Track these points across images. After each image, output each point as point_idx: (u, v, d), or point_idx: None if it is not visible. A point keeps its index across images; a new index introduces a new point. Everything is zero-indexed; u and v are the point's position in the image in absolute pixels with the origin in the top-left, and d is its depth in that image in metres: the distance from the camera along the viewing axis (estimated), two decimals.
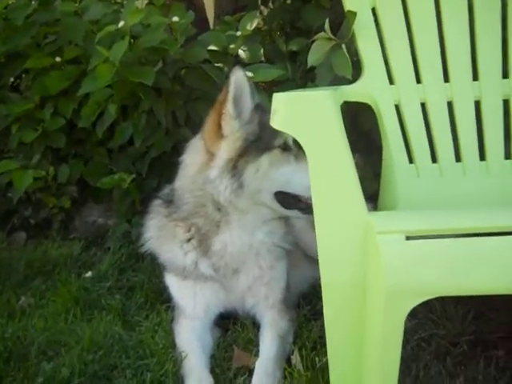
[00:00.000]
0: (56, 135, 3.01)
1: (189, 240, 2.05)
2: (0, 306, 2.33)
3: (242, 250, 2.01)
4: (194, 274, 2.05)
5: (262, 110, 2.01)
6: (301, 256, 2.35)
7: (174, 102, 2.76)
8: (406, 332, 1.36)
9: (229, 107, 1.94)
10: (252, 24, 2.77)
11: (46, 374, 1.81)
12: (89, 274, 2.61)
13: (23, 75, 3.22)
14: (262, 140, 1.95)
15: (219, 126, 1.97)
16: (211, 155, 1.97)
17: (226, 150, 1.95)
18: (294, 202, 1.97)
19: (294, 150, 1.98)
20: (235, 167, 1.92)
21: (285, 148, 1.97)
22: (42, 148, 3.04)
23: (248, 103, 1.97)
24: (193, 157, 2.07)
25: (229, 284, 2.05)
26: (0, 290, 2.48)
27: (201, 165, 2.01)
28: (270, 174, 1.94)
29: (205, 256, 2.03)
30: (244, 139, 1.94)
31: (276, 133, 1.92)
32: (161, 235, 2.15)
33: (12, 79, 3.25)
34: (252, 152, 1.94)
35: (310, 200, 1.88)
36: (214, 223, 1.99)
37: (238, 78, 1.92)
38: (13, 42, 2.90)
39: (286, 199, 1.97)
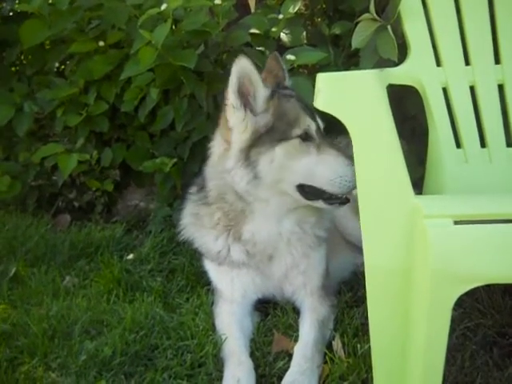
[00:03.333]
0: (99, 119, 3.06)
1: (216, 225, 2.04)
2: (45, 285, 2.39)
3: (271, 238, 1.98)
4: (228, 260, 2.04)
5: (283, 97, 1.95)
6: (341, 242, 2.32)
7: (216, 85, 2.74)
8: (451, 321, 1.33)
9: (231, 98, 1.88)
10: (294, 7, 2.72)
11: (89, 353, 1.84)
12: (130, 256, 2.65)
13: (67, 61, 3.26)
14: (278, 130, 1.87)
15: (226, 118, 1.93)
16: (228, 144, 1.94)
17: (235, 142, 1.91)
18: (318, 193, 1.89)
19: (316, 140, 1.89)
20: (248, 158, 1.87)
21: (305, 138, 1.88)
22: (87, 132, 3.09)
23: (259, 92, 1.89)
24: (216, 145, 2.03)
25: (265, 271, 2.04)
26: (45, 269, 2.54)
27: (220, 153, 1.98)
28: (288, 164, 1.85)
29: (237, 242, 2.01)
30: (253, 131, 1.87)
31: (295, 122, 1.87)
32: (194, 222, 2.15)
33: (57, 64, 3.31)
34: (265, 143, 1.86)
35: (333, 194, 1.86)
36: (239, 211, 1.96)
37: (242, 67, 1.85)
38: (58, 27, 2.93)
39: (310, 192, 1.88)
